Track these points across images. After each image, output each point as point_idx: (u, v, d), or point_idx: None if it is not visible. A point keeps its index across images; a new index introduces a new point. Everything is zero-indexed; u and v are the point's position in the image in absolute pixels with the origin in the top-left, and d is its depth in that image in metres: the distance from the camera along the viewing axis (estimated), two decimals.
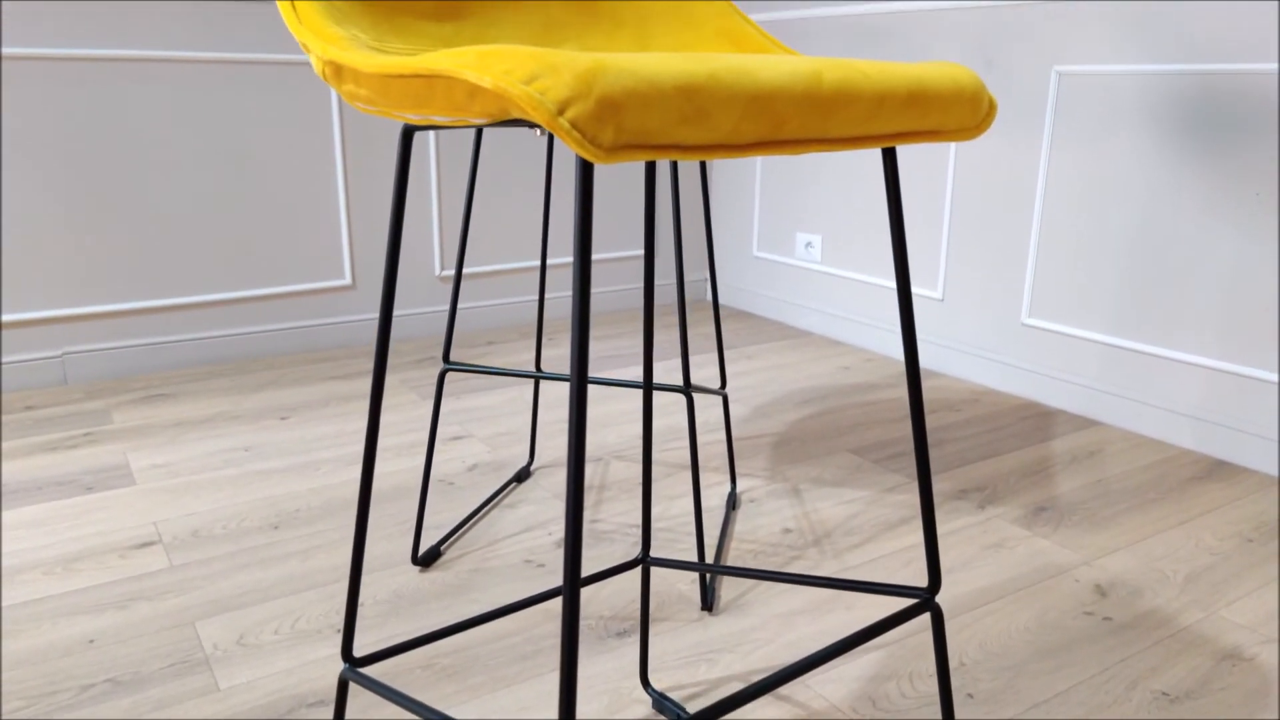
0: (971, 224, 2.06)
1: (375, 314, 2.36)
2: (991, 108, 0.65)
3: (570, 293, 2.63)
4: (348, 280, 2.30)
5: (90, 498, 1.51)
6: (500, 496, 1.51)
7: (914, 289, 2.21)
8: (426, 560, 1.30)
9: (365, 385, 2.04)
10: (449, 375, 2.13)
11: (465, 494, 1.52)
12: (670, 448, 1.72)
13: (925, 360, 2.20)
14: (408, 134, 0.58)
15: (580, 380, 0.49)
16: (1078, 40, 1.80)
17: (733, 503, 1.48)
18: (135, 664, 1.09)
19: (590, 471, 1.61)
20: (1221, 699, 1.03)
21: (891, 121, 0.57)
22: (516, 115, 0.45)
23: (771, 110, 0.50)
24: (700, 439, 1.76)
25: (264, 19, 2.07)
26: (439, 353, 2.29)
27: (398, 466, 1.63)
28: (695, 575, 1.27)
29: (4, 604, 1.20)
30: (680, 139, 0.47)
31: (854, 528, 1.41)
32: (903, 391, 2.03)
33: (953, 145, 2.06)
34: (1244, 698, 1.03)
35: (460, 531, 1.40)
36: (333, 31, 0.56)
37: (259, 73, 2.10)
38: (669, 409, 1.92)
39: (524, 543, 1.36)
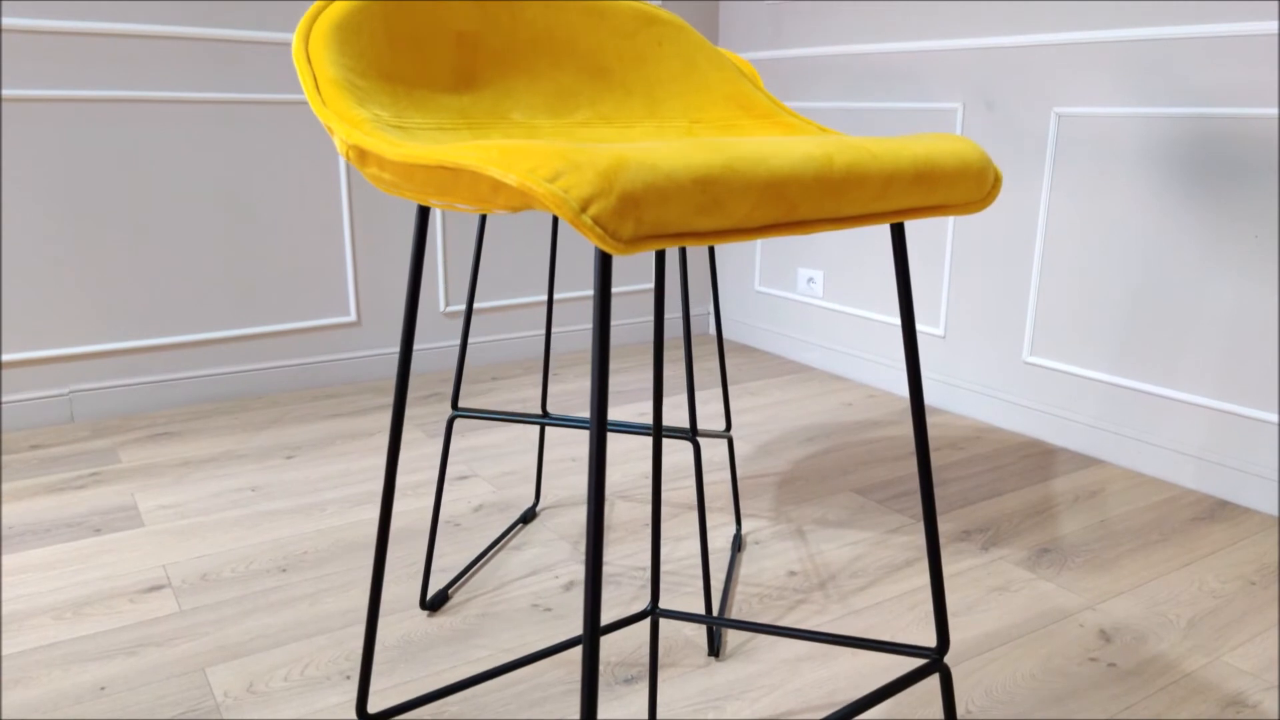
0: (973, 261, 2.09)
1: (380, 350, 2.38)
2: (997, 181, 0.67)
3: (574, 329, 2.65)
4: (353, 317, 2.32)
5: (99, 540, 1.51)
6: (507, 538, 1.52)
7: (916, 325, 2.23)
8: (435, 605, 1.31)
9: (370, 423, 2.06)
10: (467, 432, 2.15)
11: (472, 535, 1.53)
12: (676, 487, 1.73)
13: (928, 397, 2.22)
14: (424, 212, 0.60)
15: (598, 488, 0.51)
16: (1077, 83, 1.84)
17: (738, 545, 1.49)
18: (146, 711, 1.09)
19: None
20: None
21: (900, 199, 0.59)
22: (539, 209, 0.47)
23: (785, 197, 0.52)
24: (706, 478, 1.77)
25: (268, 59, 2.11)
26: (445, 389, 2.30)
27: (404, 507, 1.64)
28: (697, 588, 1.27)
29: (14, 650, 1.21)
30: (696, 227, 0.49)
31: (859, 570, 1.42)
32: (905, 429, 2.04)
33: None
34: None
35: (468, 575, 1.40)
36: (356, 113, 0.58)
37: (264, 111, 2.13)
38: (674, 446, 1.93)
39: (531, 586, 1.37)
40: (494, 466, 1.82)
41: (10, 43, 1.86)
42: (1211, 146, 1.64)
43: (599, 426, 0.52)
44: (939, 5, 2.06)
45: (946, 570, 1.43)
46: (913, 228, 2.20)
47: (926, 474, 0.73)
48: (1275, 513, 1.62)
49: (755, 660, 1.19)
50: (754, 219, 0.52)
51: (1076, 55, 1.83)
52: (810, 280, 2.48)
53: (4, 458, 1.85)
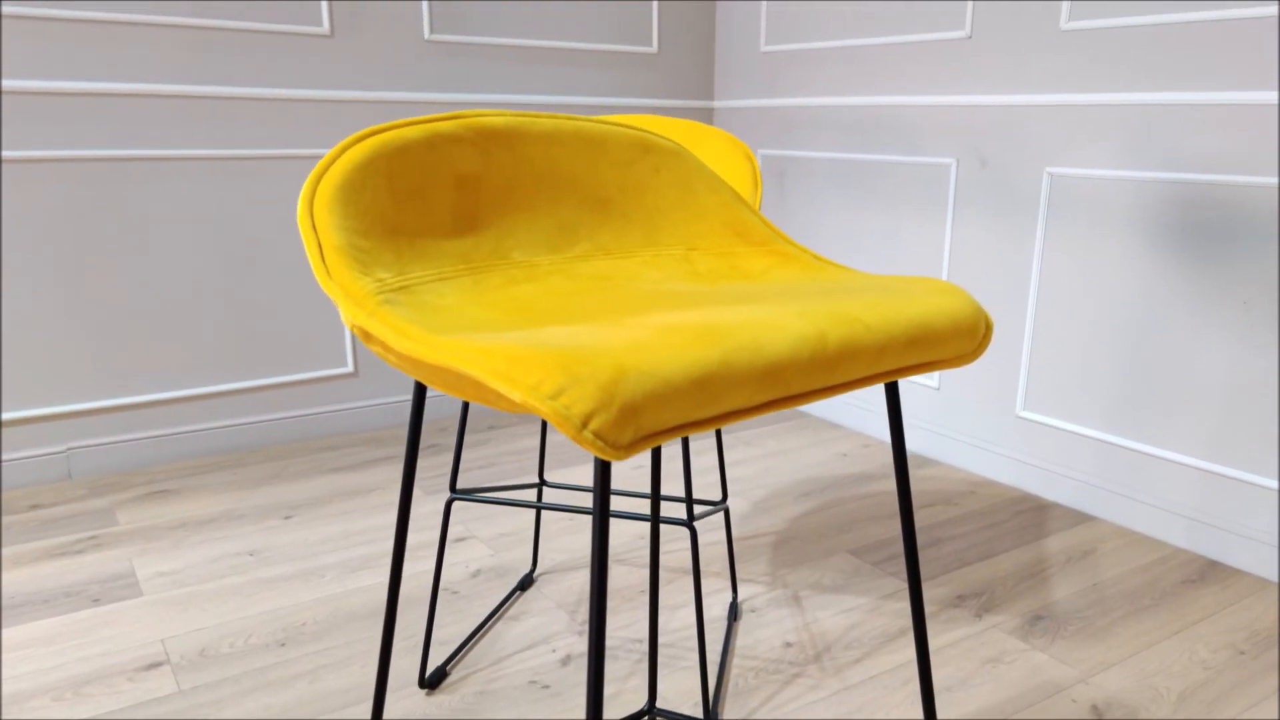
0: None
1: (377, 400, 2.39)
2: (988, 330, 0.69)
3: None
4: (350, 368, 2.33)
5: (97, 611, 1.52)
6: (505, 607, 1.53)
7: (911, 376, 2.25)
8: (433, 683, 1.32)
9: (369, 478, 2.06)
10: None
11: (470, 604, 1.54)
12: (671, 550, 1.74)
13: (922, 448, 2.24)
14: (420, 390, 0.61)
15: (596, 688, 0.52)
16: (1069, 144, 1.86)
17: (734, 613, 1.50)
18: None
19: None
20: None
21: (893, 363, 0.61)
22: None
23: (781, 380, 0.54)
24: (702, 538, 1.78)
25: (262, 114, 2.13)
26: (442, 439, 2.31)
27: (404, 572, 1.64)
28: (699, 697, 1.29)
29: None
30: (693, 419, 0.51)
31: (853, 640, 1.43)
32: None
33: (948, 237, 2.12)
34: None
35: (466, 648, 1.41)
36: (360, 286, 0.59)
37: (258, 166, 2.15)
38: (669, 504, 1.95)
39: (529, 661, 1.38)
40: (491, 527, 1.83)
41: (7, 106, 1.87)
42: (1202, 212, 1.67)
43: (597, 643, 0.53)
44: (933, 61, 2.09)
45: (940, 639, 1.44)
46: (907, 273, 2.22)
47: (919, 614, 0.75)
48: (1265, 574, 1.64)
49: None
50: (749, 403, 0.53)
51: (1068, 117, 1.85)
52: None
53: (4, 519, 1.85)
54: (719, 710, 1.26)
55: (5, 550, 1.72)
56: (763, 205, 2.60)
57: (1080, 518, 1.88)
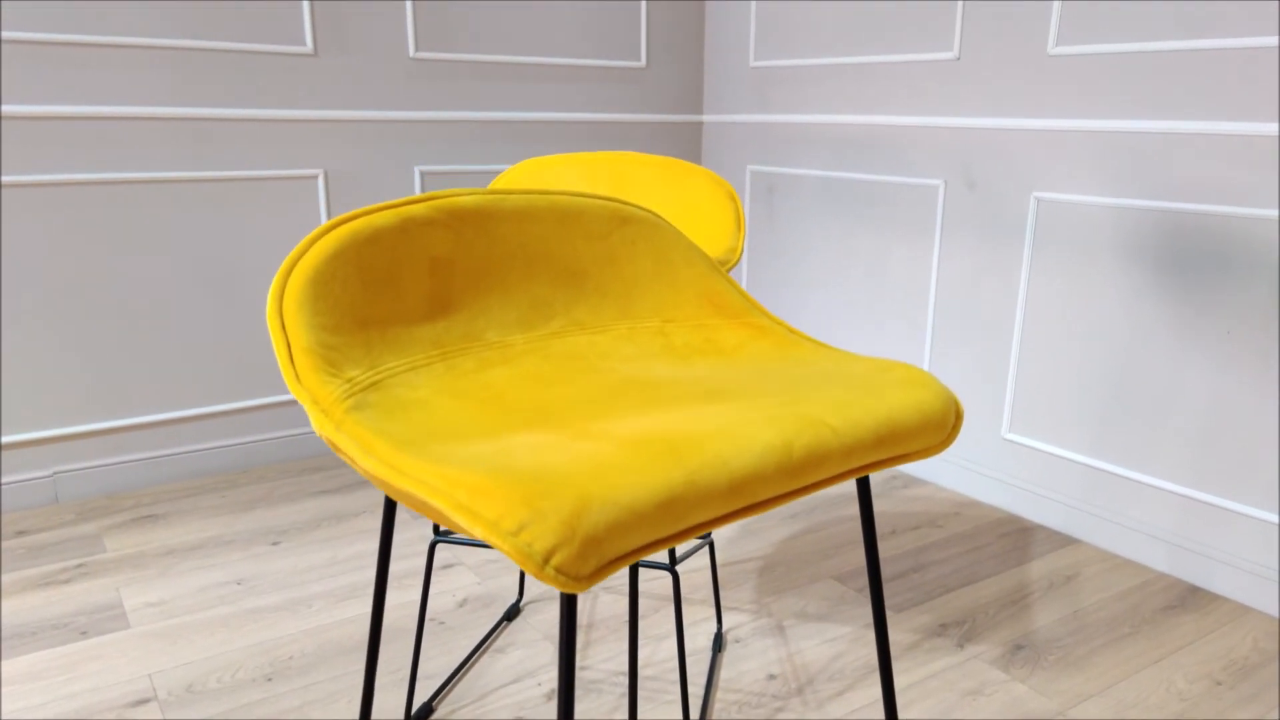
0: (953, 336, 2.12)
1: None
2: (958, 419, 0.69)
3: None
4: None
5: (85, 644, 1.53)
6: (491, 638, 1.54)
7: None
8: (419, 718, 1.33)
9: (356, 501, 2.07)
10: None
11: (456, 636, 1.55)
12: (654, 576, 1.75)
13: (910, 467, 2.25)
14: (391, 505, 0.62)
15: None
16: (1055, 169, 1.87)
17: (719, 644, 1.52)
18: None
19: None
20: None
21: (860, 462, 0.61)
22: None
23: (746, 493, 0.54)
24: (685, 566, 1.79)
25: (247, 135, 2.12)
26: None
27: (390, 602, 1.65)
28: (675, 700, 1.30)
29: None
30: (656, 539, 0.51)
31: (836, 672, 1.45)
32: (884, 504, 2.07)
33: (935, 258, 2.13)
34: None
35: (452, 683, 1.42)
36: (327, 392, 0.60)
37: (244, 188, 2.14)
38: None
39: (514, 695, 1.39)
40: (478, 554, 1.84)
41: None
42: (1189, 240, 1.68)
43: None
44: (923, 81, 2.09)
45: (922, 670, 1.46)
46: (894, 295, 2.23)
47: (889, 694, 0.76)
48: (1242, 600, 1.65)
49: None
50: (714, 516, 0.54)
51: (1055, 141, 1.86)
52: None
53: None
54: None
55: None
56: (751, 223, 2.61)
57: (1064, 540, 1.90)
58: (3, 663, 1.47)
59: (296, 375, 0.60)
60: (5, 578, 1.73)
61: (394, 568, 1.77)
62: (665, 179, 1.35)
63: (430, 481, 0.50)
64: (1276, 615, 1.61)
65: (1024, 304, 1.95)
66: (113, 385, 2.08)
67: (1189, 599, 1.67)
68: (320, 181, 2.22)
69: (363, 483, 2.16)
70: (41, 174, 1.92)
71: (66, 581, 1.73)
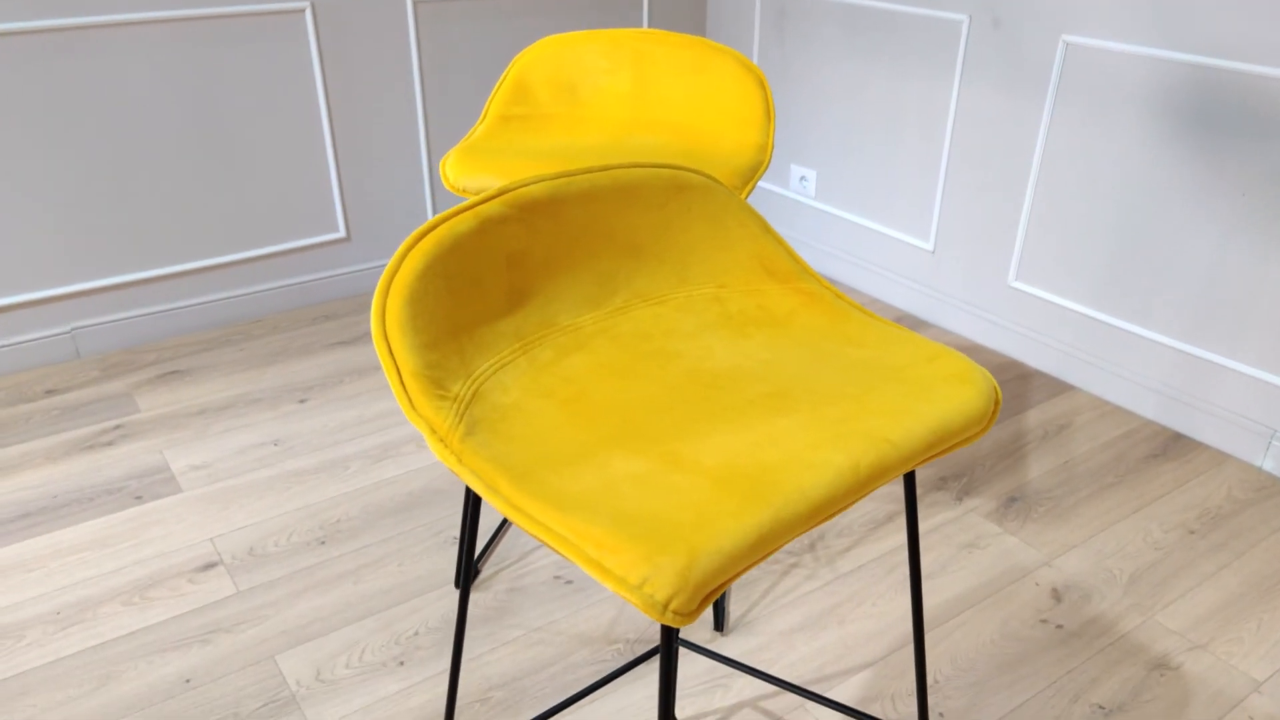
0: (967, 181, 2.10)
1: (371, 264, 2.39)
2: (997, 406, 0.74)
3: None
4: (342, 233, 2.31)
5: (142, 509, 1.62)
6: None
7: (905, 237, 2.27)
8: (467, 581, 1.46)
9: (371, 353, 2.12)
10: None
11: None
12: None
13: (915, 309, 2.30)
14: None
15: None
16: (1089, 12, 1.77)
17: None
18: (232, 704, 1.26)
19: None
20: (1148, 711, 1.24)
21: (912, 466, 0.66)
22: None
23: (820, 516, 0.60)
24: None
25: None
26: None
27: (422, 462, 1.75)
28: None
29: (99, 641, 1.35)
30: (747, 568, 0.57)
31: (845, 528, 1.58)
32: None
33: (953, 99, 2.05)
34: (1166, 709, 1.25)
35: (493, 543, 1.55)
36: (441, 419, 0.62)
37: (232, 26, 2.00)
38: None
39: (550, 556, 1.52)
40: None
41: None
42: (1214, 98, 1.63)
43: None
44: None
45: (922, 527, 1.59)
46: (908, 137, 2.18)
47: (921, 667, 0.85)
48: (1222, 448, 1.78)
49: (755, 633, 1.37)
50: (790, 540, 0.59)
51: None
52: (803, 179, 2.47)
53: (23, 407, 1.91)
54: (725, 602, 1.42)
55: (35, 444, 1.80)
56: (759, 49, 2.47)
57: (1061, 387, 2.00)
58: (65, 530, 1.57)
59: (411, 403, 0.63)
60: (48, 441, 1.81)
61: (410, 429, 1.85)
62: (689, 63, 1.29)
63: (560, 532, 0.55)
64: (1256, 464, 1.74)
65: (1041, 152, 1.92)
66: (118, 241, 2.05)
67: (1171, 447, 1.80)
68: (308, 16, 2.06)
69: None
70: (24, 21, 1.78)
71: (109, 444, 1.80)
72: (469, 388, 0.66)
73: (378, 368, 2.06)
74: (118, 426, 1.86)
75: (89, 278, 2.05)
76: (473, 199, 0.69)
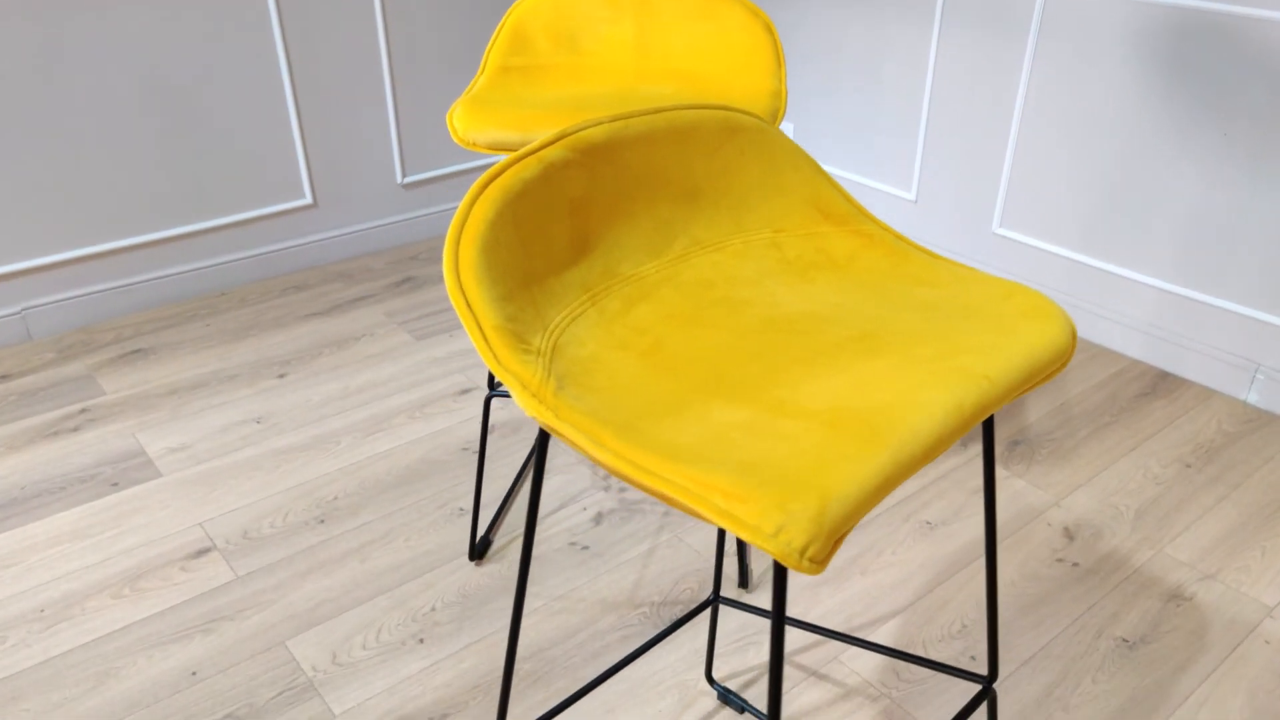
0: (948, 129, 2.08)
1: (339, 231, 2.28)
2: (1073, 339, 0.72)
3: None
4: (309, 199, 2.20)
5: (120, 496, 1.54)
6: (529, 466, 1.61)
7: (887, 188, 2.25)
8: (480, 553, 1.41)
9: (349, 324, 2.03)
10: (454, 330, 2.13)
11: (494, 465, 1.61)
12: None
13: None
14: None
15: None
16: None
17: None
18: (245, 693, 1.20)
19: None
20: (1169, 642, 1.27)
21: (1004, 404, 0.64)
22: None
23: (932, 456, 0.57)
24: None
25: None
26: (417, 271, 2.26)
27: (416, 433, 1.69)
28: (734, 551, 1.42)
29: (91, 638, 1.28)
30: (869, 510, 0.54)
31: None
32: None
33: (933, 46, 2.03)
34: (1186, 639, 1.27)
35: (503, 513, 1.50)
36: (530, 374, 0.57)
37: None
38: None
39: (564, 522, 1.48)
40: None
41: None
42: (1196, 40, 1.64)
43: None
44: None
45: (932, 473, 1.59)
46: (887, 88, 2.15)
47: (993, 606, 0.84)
48: (1207, 384, 1.81)
49: None
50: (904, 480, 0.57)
51: None
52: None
53: None
54: (747, 559, 1.40)
55: None
56: None
57: None
58: (39, 523, 1.48)
59: (496, 358, 0.58)
60: (7, 429, 1.69)
61: (407, 397, 1.79)
62: (693, 10, 1.23)
63: (680, 484, 0.52)
64: (1241, 397, 1.78)
65: (1023, 100, 1.91)
66: (74, 213, 1.92)
67: (1159, 384, 1.83)
68: None
69: (352, 303, 2.12)
70: None
71: (76, 430, 1.70)
72: (548, 341, 0.62)
73: (358, 338, 1.98)
74: (83, 410, 1.75)
75: (39, 254, 1.92)
76: (534, 143, 0.64)
